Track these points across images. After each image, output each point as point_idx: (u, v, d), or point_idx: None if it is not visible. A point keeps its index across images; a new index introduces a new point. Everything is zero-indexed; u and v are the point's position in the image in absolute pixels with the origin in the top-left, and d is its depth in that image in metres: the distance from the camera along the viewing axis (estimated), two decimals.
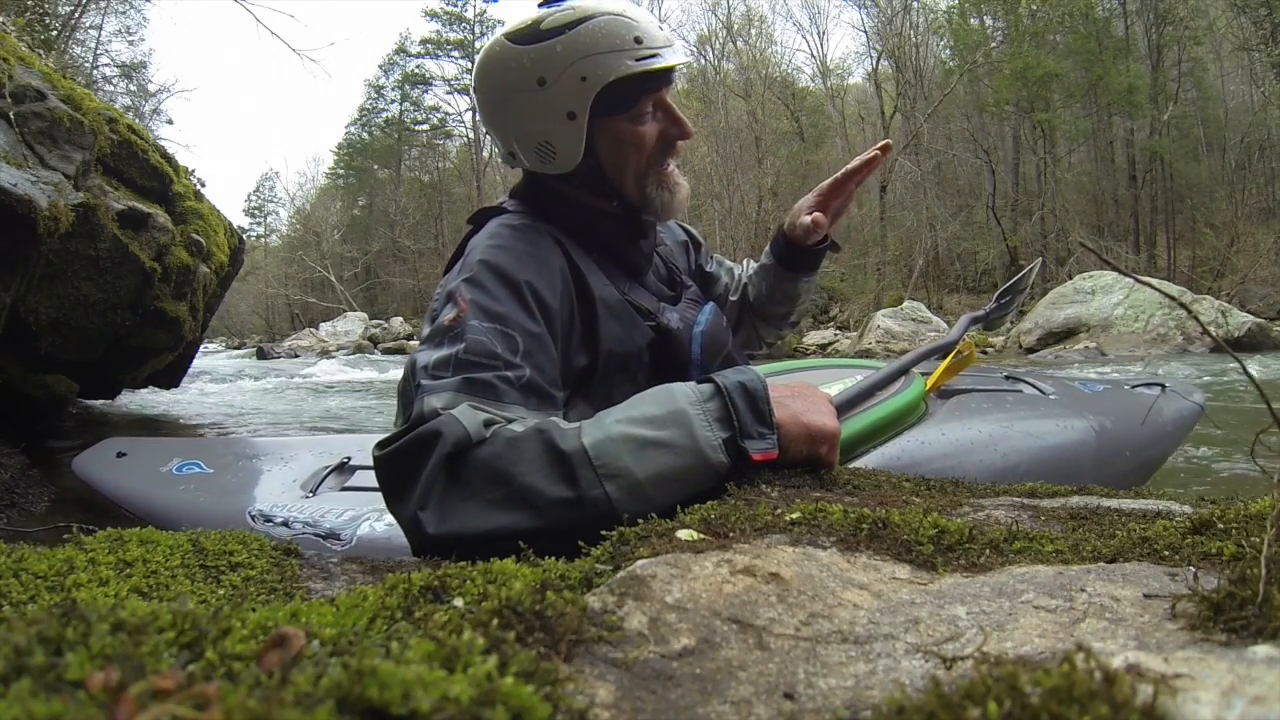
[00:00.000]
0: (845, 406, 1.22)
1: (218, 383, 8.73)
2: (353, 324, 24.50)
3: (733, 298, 1.48)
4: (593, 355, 1.04)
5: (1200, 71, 22.00)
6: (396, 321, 26.02)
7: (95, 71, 20.55)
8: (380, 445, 0.84)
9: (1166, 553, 0.48)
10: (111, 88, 21.85)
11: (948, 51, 24.19)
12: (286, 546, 0.71)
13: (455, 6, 34.95)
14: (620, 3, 1.04)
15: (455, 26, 35.28)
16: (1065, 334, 11.72)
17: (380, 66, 38.02)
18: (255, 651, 0.28)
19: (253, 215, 42.53)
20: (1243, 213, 19.63)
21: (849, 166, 1.26)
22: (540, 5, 1.05)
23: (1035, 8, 21.57)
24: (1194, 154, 21.52)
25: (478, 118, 1.22)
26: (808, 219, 1.26)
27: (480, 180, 31.42)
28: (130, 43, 27.67)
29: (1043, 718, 0.24)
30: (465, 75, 33.13)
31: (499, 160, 1.17)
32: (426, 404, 0.83)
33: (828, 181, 1.28)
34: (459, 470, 0.78)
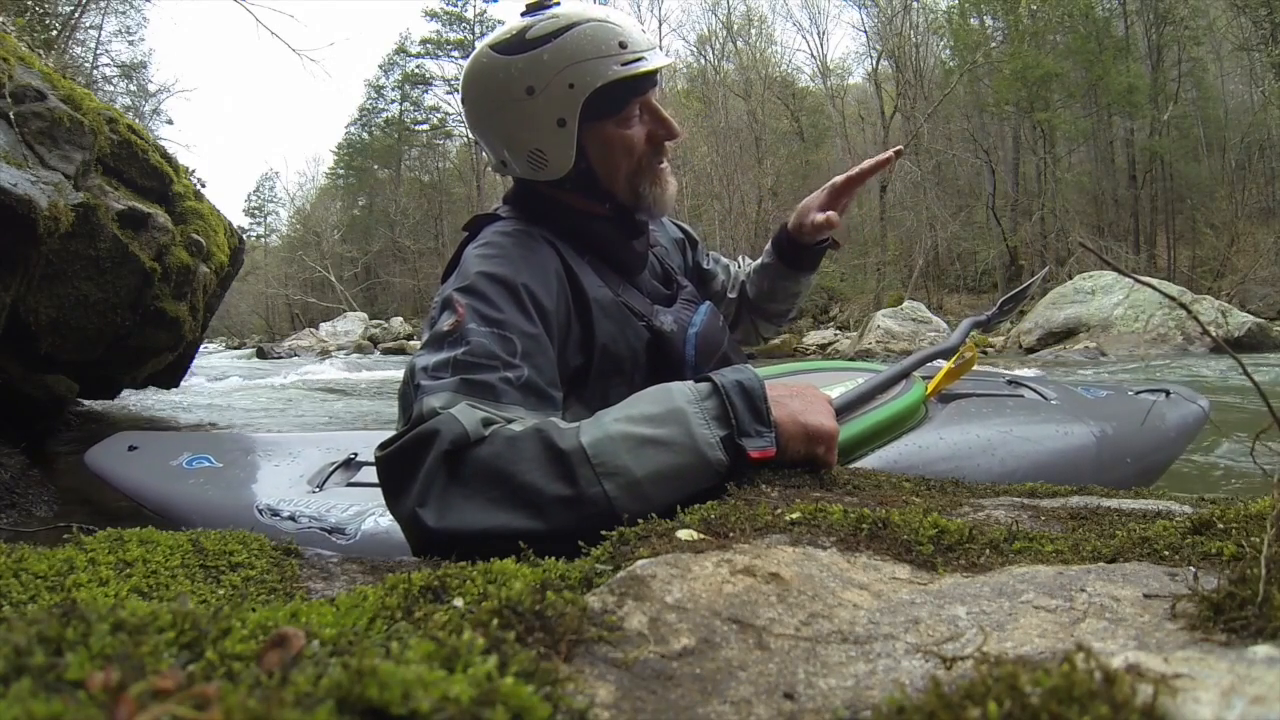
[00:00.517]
0: (845, 409, 1.22)
1: (217, 382, 8.73)
2: (353, 324, 24.52)
3: (730, 295, 1.49)
4: (588, 355, 1.05)
5: (1200, 71, 22.03)
6: (396, 321, 26.03)
7: (95, 71, 20.59)
8: (382, 446, 0.84)
9: (1166, 553, 0.48)
10: (111, 88, 21.91)
11: (948, 52, 24.23)
12: (286, 546, 0.71)
13: (455, 6, 35.02)
14: (602, 8, 1.06)
15: (455, 26, 35.34)
16: (1065, 334, 11.72)
17: (380, 66, 38.15)
18: (255, 651, 0.28)
19: (253, 215, 42.69)
20: (1243, 213, 19.65)
21: (863, 166, 1.26)
22: (523, 14, 1.05)
23: (1035, 8, 21.59)
24: (1194, 154, 21.56)
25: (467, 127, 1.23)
26: (821, 217, 1.27)
27: (480, 180, 31.41)
28: (130, 43, 27.81)
29: (1043, 718, 0.24)
30: None
31: None
32: (425, 404, 0.83)
33: (840, 179, 1.28)
34: (458, 469, 0.78)
